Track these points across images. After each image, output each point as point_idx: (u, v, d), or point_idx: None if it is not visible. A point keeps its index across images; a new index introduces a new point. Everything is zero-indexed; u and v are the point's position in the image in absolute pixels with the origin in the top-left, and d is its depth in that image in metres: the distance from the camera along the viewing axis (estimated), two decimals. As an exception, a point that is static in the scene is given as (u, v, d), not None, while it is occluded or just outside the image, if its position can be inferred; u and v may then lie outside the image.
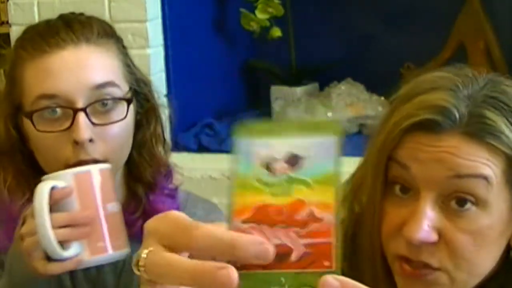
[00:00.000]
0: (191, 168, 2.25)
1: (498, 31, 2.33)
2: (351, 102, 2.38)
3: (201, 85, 2.45)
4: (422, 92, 0.86)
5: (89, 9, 2.15)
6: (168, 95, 2.29)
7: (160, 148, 1.18)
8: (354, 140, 2.30)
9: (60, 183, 0.99)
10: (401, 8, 2.49)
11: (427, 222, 0.82)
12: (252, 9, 2.37)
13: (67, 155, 1.06)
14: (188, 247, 0.52)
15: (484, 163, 0.82)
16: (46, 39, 1.09)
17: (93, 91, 1.07)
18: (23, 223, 1.02)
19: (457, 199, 0.82)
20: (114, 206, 1.03)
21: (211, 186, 2.19)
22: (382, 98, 2.36)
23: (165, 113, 1.18)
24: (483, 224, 0.83)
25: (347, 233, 0.93)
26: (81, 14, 1.19)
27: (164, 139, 1.20)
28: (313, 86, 2.54)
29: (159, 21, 2.24)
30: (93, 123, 1.06)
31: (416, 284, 0.85)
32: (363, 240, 0.90)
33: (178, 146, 2.33)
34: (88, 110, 1.06)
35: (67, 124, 1.06)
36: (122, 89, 1.11)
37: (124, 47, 1.18)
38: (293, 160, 0.54)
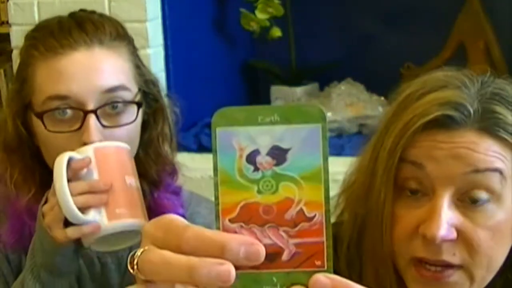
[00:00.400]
0: (191, 168, 2.25)
1: (498, 31, 2.33)
2: (351, 102, 2.37)
3: (201, 85, 2.44)
4: (432, 90, 0.87)
5: (89, 9, 2.15)
6: (168, 95, 2.29)
7: (167, 147, 1.19)
8: (354, 140, 2.31)
9: (78, 156, 1.02)
10: (401, 8, 2.49)
11: (446, 219, 0.82)
12: (252, 9, 2.37)
13: None
14: (179, 249, 0.51)
15: (498, 157, 0.83)
16: (59, 39, 1.09)
17: (104, 94, 1.08)
18: (45, 202, 1.04)
19: (473, 195, 0.83)
20: (133, 181, 1.05)
21: (211, 186, 2.18)
22: (382, 98, 2.36)
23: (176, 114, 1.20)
24: (500, 219, 0.83)
25: (352, 239, 0.92)
26: (93, 12, 1.19)
27: (171, 138, 1.21)
28: (313, 86, 2.54)
29: (159, 21, 2.24)
30: (103, 125, 1.07)
31: (436, 287, 0.84)
32: (370, 246, 0.89)
33: (178, 146, 2.33)
34: (98, 112, 1.07)
35: (77, 125, 1.06)
36: (132, 91, 1.12)
37: (135, 47, 1.18)
38: (278, 153, 0.52)
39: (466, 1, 2.33)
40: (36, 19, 2.21)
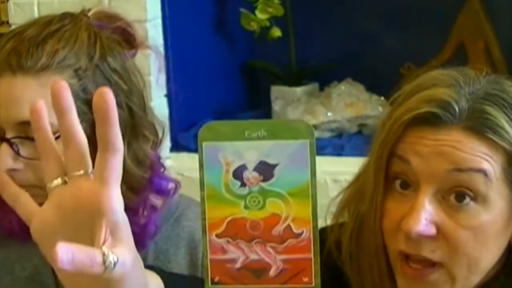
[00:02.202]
0: (191, 168, 2.25)
1: (498, 31, 2.33)
2: (351, 102, 2.37)
3: (201, 85, 2.44)
4: (424, 88, 0.87)
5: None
6: (168, 95, 2.29)
7: (141, 167, 1.12)
8: (354, 140, 2.31)
9: None
10: (401, 8, 2.49)
11: (425, 215, 0.82)
12: (252, 9, 2.37)
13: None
14: None
15: (484, 158, 0.82)
16: None
17: (23, 126, 1.03)
18: None
19: (456, 194, 0.83)
20: None
21: (211, 186, 2.19)
22: (382, 98, 2.36)
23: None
24: (483, 220, 0.83)
25: (352, 235, 0.93)
26: (57, 21, 1.13)
27: (149, 158, 1.13)
28: (313, 86, 2.54)
29: (159, 21, 2.24)
30: (19, 155, 1.04)
31: (418, 285, 0.85)
32: (366, 238, 0.90)
33: (178, 146, 2.33)
34: (17, 141, 1.04)
35: None
36: (54, 125, 1.07)
37: (87, 67, 1.07)
38: (265, 169, 0.52)
39: (466, 1, 2.33)
40: (36, 19, 2.21)
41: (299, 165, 0.52)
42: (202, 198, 0.52)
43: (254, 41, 2.52)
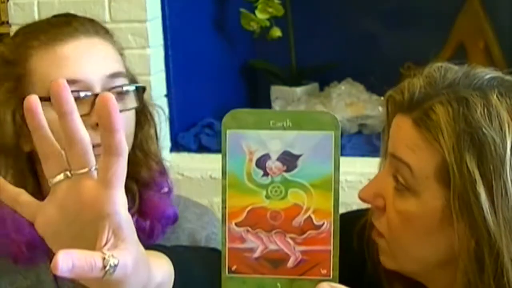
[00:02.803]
0: (191, 168, 2.25)
1: (498, 31, 2.33)
2: (351, 102, 2.37)
3: (201, 85, 2.44)
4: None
5: (89, 9, 2.16)
6: (168, 95, 2.29)
7: (154, 147, 1.19)
8: (354, 140, 2.31)
9: None
10: (401, 8, 2.49)
11: (375, 186, 0.88)
12: (252, 9, 2.37)
13: None
14: None
15: (414, 151, 0.84)
16: (59, 27, 1.11)
17: (108, 79, 1.09)
18: None
19: (396, 178, 0.86)
20: None
21: (211, 186, 2.19)
22: (382, 98, 2.36)
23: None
24: (410, 210, 0.84)
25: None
26: (79, 16, 1.20)
27: (157, 137, 1.20)
28: (313, 86, 2.54)
29: (159, 21, 2.23)
30: None
31: (374, 249, 0.90)
32: None
33: (178, 146, 2.33)
34: None
35: (87, 109, 1.06)
36: (127, 80, 1.14)
37: (122, 49, 1.19)
38: (288, 159, 0.52)
39: (466, 1, 2.33)
40: (36, 19, 2.20)
41: (323, 157, 0.52)
42: (224, 186, 0.52)
43: (254, 41, 2.52)
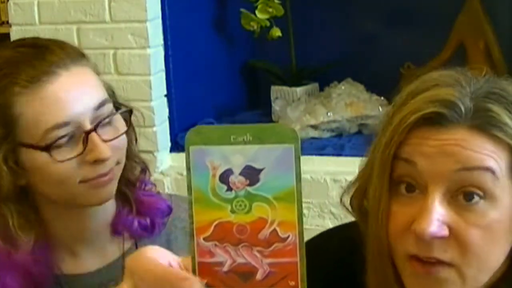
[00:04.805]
0: (191, 168, 2.25)
1: (498, 31, 2.33)
2: (351, 102, 2.37)
3: (201, 85, 2.44)
4: (426, 89, 0.87)
5: (89, 9, 2.16)
6: (168, 95, 2.29)
7: (134, 147, 1.19)
8: (354, 140, 2.31)
9: None
10: (401, 8, 2.49)
11: (436, 216, 0.81)
12: (252, 9, 2.37)
13: (84, 173, 1.07)
14: None
15: (490, 156, 0.82)
16: (38, 67, 1.06)
17: (96, 111, 1.07)
18: None
19: (464, 193, 0.82)
20: None
21: (211, 186, 2.19)
22: (382, 98, 2.36)
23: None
24: (492, 218, 0.82)
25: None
26: (36, 38, 1.17)
27: (136, 138, 1.20)
28: (313, 86, 2.54)
29: (159, 21, 2.24)
30: (104, 140, 1.07)
31: (428, 283, 0.84)
32: (369, 242, 0.89)
33: (178, 146, 2.33)
34: (97, 129, 1.07)
35: (80, 147, 1.05)
36: (110, 102, 1.12)
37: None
38: (251, 173, 0.52)
39: (466, 1, 2.33)
40: (36, 19, 2.21)
41: (285, 169, 0.52)
42: (190, 202, 0.53)
43: (254, 41, 2.52)
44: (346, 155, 2.11)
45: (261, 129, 0.52)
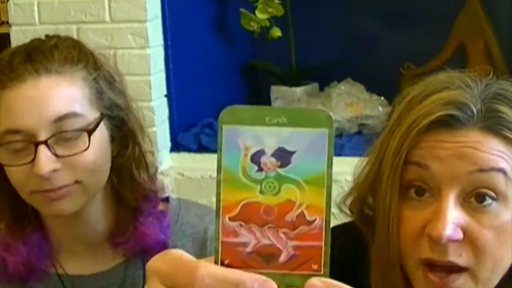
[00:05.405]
0: (191, 168, 2.25)
1: (498, 31, 2.33)
2: (351, 102, 2.38)
3: (201, 85, 2.45)
4: (435, 91, 0.87)
5: (89, 9, 2.16)
6: (168, 95, 2.29)
7: (142, 173, 1.16)
8: (354, 140, 2.31)
9: None
10: (401, 8, 2.49)
11: (452, 219, 0.81)
12: (252, 9, 2.37)
13: (31, 185, 1.06)
14: (190, 286, 0.51)
15: (502, 157, 0.82)
16: (7, 73, 1.07)
17: (54, 123, 1.05)
18: None
19: (477, 195, 0.82)
20: None
21: (211, 186, 2.19)
22: (382, 98, 2.36)
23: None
24: (505, 219, 0.82)
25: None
26: (55, 37, 1.16)
27: (147, 164, 1.17)
28: (313, 86, 2.54)
29: (159, 21, 2.24)
30: (57, 155, 1.05)
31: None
32: (378, 248, 0.88)
33: (178, 146, 2.33)
34: (50, 142, 1.05)
35: (31, 157, 1.05)
36: (87, 117, 1.08)
37: (97, 70, 1.13)
38: (283, 155, 0.52)
39: (466, 1, 2.33)
40: (36, 19, 2.21)
41: (317, 153, 0.52)
42: (218, 181, 0.52)
43: (254, 41, 2.52)
44: (346, 155, 2.11)
45: (296, 112, 0.52)
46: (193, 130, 2.38)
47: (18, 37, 2.21)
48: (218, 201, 0.52)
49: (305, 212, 0.52)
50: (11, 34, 2.28)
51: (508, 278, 0.87)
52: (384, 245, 0.87)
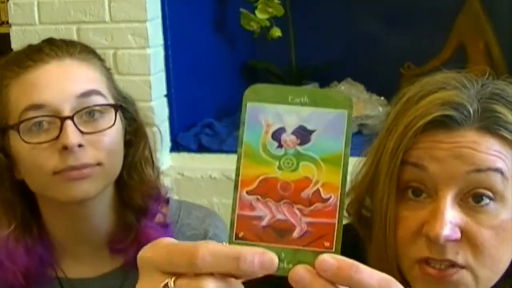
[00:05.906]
0: (191, 168, 2.25)
1: (498, 31, 2.33)
2: (351, 102, 2.38)
3: (201, 85, 2.45)
4: (431, 92, 0.87)
5: (89, 9, 2.16)
6: (168, 95, 2.29)
7: (150, 171, 1.17)
8: (354, 140, 2.30)
9: None
10: (401, 8, 2.50)
11: (449, 219, 0.82)
12: (252, 9, 2.37)
13: (55, 163, 1.06)
14: (192, 267, 0.52)
15: (499, 157, 0.83)
16: (30, 55, 1.10)
17: (79, 99, 1.07)
18: None
19: (474, 195, 0.83)
20: None
21: (211, 186, 2.19)
22: (382, 98, 2.37)
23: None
24: (503, 219, 0.83)
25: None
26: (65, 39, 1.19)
27: (153, 162, 1.19)
28: (313, 86, 2.54)
29: (159, 21, 2.24)
30: (81, 132, 1.06)
31: (441, 286, 0.84)
32: (375, 248, 0.89)
33: (178, 146, 2.33)
34: (75, 119, 1.06)
35: (55, 134, 1.06)
36: (107, 98, 1.11)
37: (107, 68, 1.17)
38: (302, 133, 0.54)
39: (466, 1, 2.33)
40: (36, 19, 2.21)
41: (335, 133, 0.54)
42: (239, 155, 0.54)
43: (254, 41, 2.52)
44: (346, 155, 2.11)
45: (318, 93, 0.55)
46: (193, 130, 2.38)
47: (18, 37, 2.21)
48: (237, 174, 0.54)
49: (321, 189, 0.53)
50: (11, 34, 2.28)
51: (507, 277, 0.87)
52: (381, 245, 0.87)
